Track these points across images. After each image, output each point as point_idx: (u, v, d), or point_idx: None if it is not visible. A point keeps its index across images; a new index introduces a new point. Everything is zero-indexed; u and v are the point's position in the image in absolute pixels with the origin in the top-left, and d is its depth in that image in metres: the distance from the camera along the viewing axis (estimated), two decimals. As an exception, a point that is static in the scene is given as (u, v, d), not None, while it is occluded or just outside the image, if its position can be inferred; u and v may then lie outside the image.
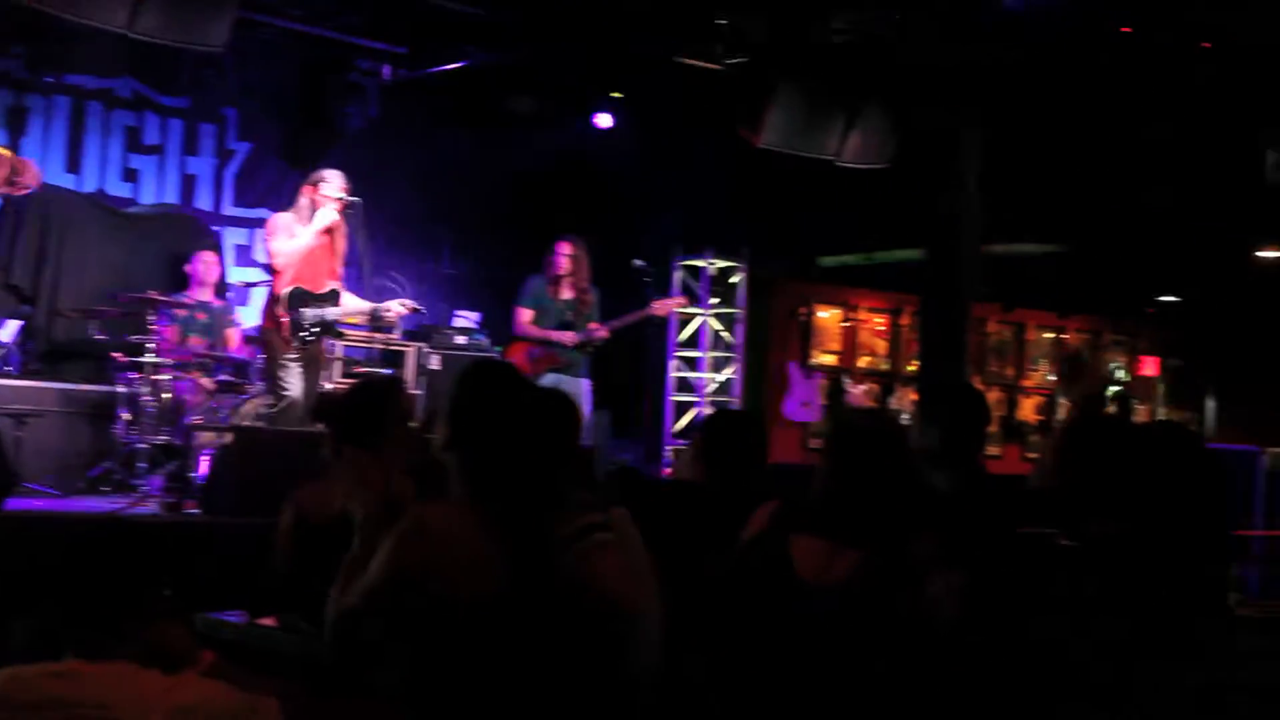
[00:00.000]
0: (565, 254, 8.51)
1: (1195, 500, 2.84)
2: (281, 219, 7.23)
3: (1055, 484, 3.67)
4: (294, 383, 7.02)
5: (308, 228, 7.10)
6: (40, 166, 7.28)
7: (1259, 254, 11.93)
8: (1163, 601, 2.77)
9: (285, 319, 7.04)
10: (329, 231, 7.18)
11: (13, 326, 8.02)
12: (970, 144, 8.98)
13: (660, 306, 8.70)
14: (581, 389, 8.30)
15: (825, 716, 3.14)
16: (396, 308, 7.34)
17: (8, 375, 7.99)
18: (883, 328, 12.10)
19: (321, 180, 7.17)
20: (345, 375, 7.20)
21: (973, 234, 9.06)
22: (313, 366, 7.07)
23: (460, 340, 9.38)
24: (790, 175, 9.88)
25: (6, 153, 6.87)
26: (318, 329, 7.05)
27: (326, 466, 3.57)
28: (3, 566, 5.01)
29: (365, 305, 7.34)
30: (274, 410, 7.23)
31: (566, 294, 8.54)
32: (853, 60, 8.91)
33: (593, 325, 8.51)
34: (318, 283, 7.14)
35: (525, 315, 8.52)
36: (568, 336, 8.43)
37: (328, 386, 7.01)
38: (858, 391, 11.37)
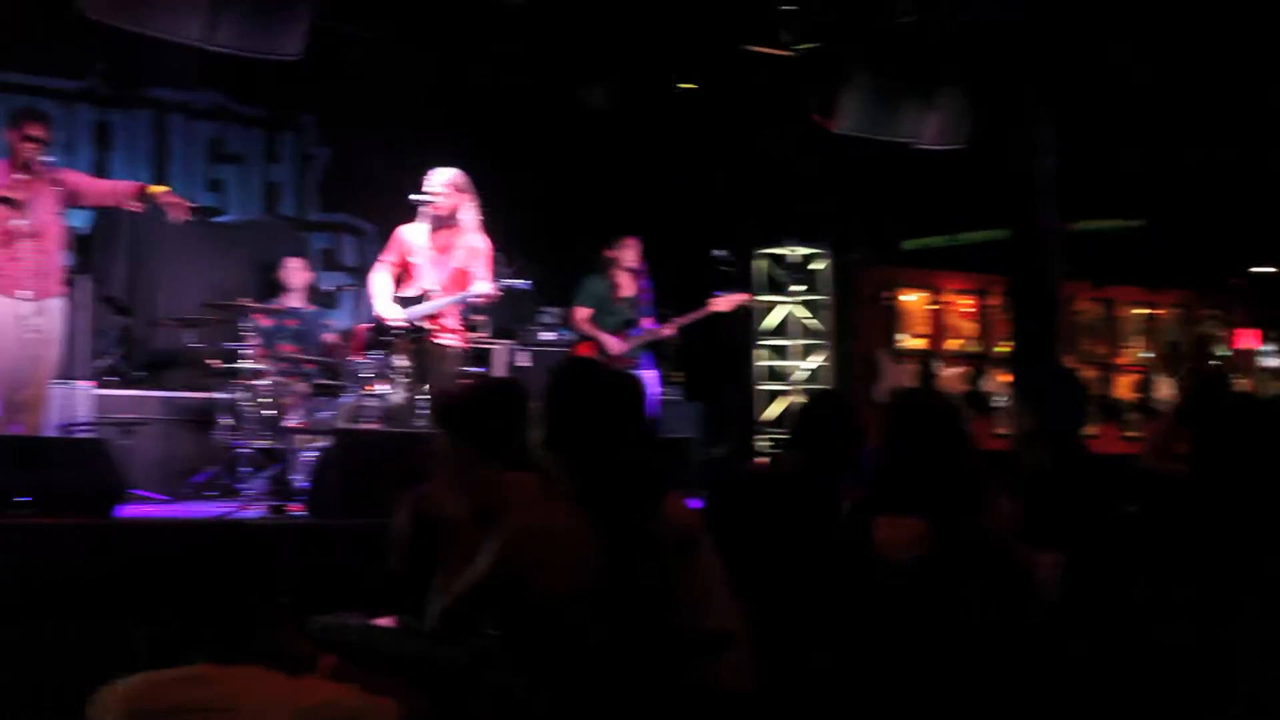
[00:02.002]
0: (626, 251, 8.46)
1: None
2: (400, 229, 7.20)
3: (1172, 464, 3.66)
4: (393, 384, 7.05)
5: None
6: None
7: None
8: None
9: (376, 323, 7.08)
10: (438, 233, 7.15)
11: None
12: (1049, 119, 8.88)
13: (722, 302, 8.50)
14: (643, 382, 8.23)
15: (918, 692, 3.16)
16: (480, 289, 7.11)
17: (113, 385, 8.18)
18: (970, 309, 11.97)
19: (423, 180, 7.10)
20: (453, 377, 7.22)
21: (1056, 211, 8.96)
22: (413, 368, 7.07)
23: (548, 337, 9.43)
24: (869, 159, 9.83)
25: (161, 189, 7.01)
26: (402, 332, 7.05)
27: (434, 466, 3.60)
28: (119, 574, 5.13)
29: (456, 298, 7.18)
30: (372, 412, 7.30)
31: (627, 291, 8.49)
32: (925, 41, 8.84)
33: (647, 321, 8.44)
34: (414, 286, 7.13)
35: (582, 314, 8.42)
36: (614, 344, 8.30)
37: (433, 387, 7.03)
38: (947, 375, 11.28)
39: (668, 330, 8.44)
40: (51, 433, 6.88)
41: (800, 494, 3.71)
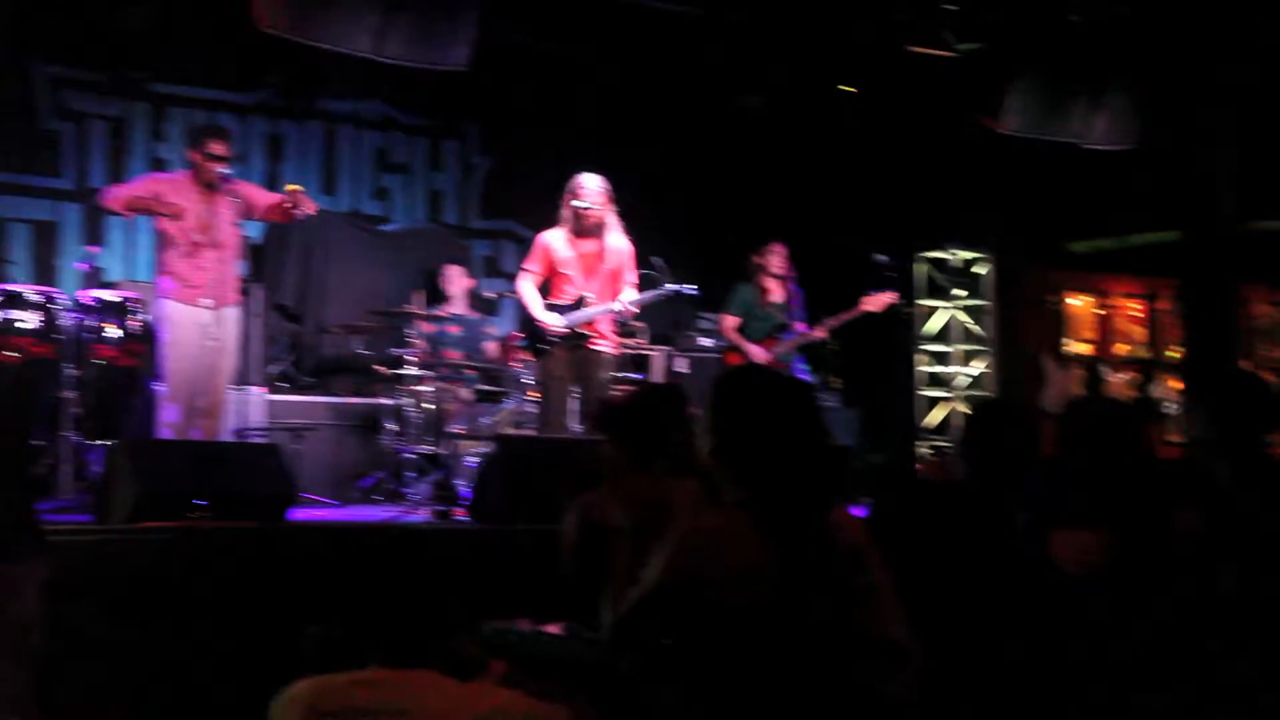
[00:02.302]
0: (774, 257, 8.44)
1: None
2: (541, 237, 7.22)
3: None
4: (551, 390, 7.10)
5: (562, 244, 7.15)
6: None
7: None
8: None
9: (532, 329, 7.12)
10: (585, 239, 7.19)
11: None
12: (1223, 118, 8.59)
13: (872, 302, 8.38)
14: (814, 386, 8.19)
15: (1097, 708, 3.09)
16: (628, 299, 7.09)
17: (284, 391, 8.40)
18: (1139, 313, 11.65)
19: (576, 189, 7.11)
20: (611, 383, 7.24)
21: (1232, 211, 8.66)
22: (571, 375, 7.11)
23: (706, 343, 9.41)
24: (1033, 160, 9.62)
25: (295, 188, 7.19)
26: (558, 338, 7.08)
27: (599, 473, 3.61)
28: (291, 576, 5.25)
29: (612, 303, 7.14)
30: (533, 418, 7.38)
31: (777, 297, 8.47)
32: (1094, 39, 8.62)
33: (799, 325, 8.40)
34: (568, 292, 7.15)
35: (730, 322, 8.47)
36: (758, 353, 8.29)
37: (589, 394, 7.06)
38: (1116, 380, 10.98)
39: (819, 332, 8.41)
40: (227, 438, 7.09)
41: (973, 505, 3.63)
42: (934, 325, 11.05)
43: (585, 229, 7.11)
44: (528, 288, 7.17)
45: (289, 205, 7.01)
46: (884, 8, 8.61)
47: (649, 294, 7.20)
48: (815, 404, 3.01)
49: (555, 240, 7.16)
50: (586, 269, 7.14)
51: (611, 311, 7.12)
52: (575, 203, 7.07)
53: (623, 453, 3.52)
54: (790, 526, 2.82)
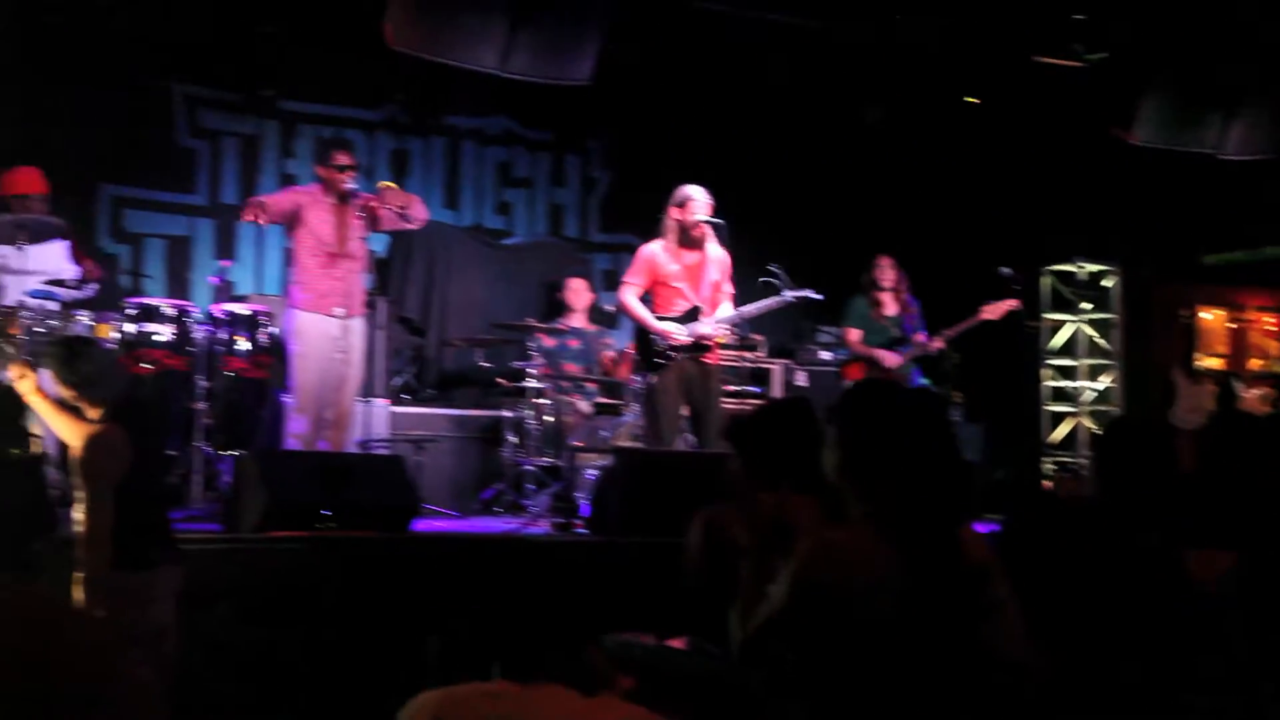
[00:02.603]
0: (884, 270, 8.42)
1: None
2: (645, 249, 7.21)
3: None
4: (662, 404, 7.08)
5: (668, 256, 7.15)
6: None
7: None
8: None
9: (646, 342, 7.12)
10: (689, 250, 7.19)
11: None
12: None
13: (992, 310, 8.30)
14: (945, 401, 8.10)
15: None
16: (796, 293, 7.10)
17: (406, 402, 8.51)
18: (1274, 327, 11.34)
19: (687, 200, 7.11)
20: (723, 396, 7.21)
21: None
22: (682, 388, 7.08)
23: (825, 356, 9.34)
24: (1165, 171, 9.41)
25: (388, 185, 7.31)
26: (675, 351, 7.06)
27: (722, 487, 3.59)
28: (414, 586, 5.31)
29: (727, 314, 7.13)
30: (647, 431, 7.37)
31: (890, 310, 8.43)
32: (1228, 49, 8.42)
33: (920, 336, 8.32)
34: (678, 304, 7.11)
35: (854, 335, 8.47)
36: (890, 358, 8.26)
37: (702, 406, 7.04)
38: (1250, 396, 10.68)
39: (937, 343, 8.33)
40: (352, 449, 7.20)
41: (1106, 522, 3.55)
42: (1059, 339, 10.85)
43: (690, 240, 7.11)
44: (634, 300, 7.15)
45: (386, 204, 7.09)
46: (1011, 19, 8.49)
47: (771, 301, 7.16)
48: (946, 418, 2.97)
49: (659, 252, 7.15)
50: (693, 280, 7.13)
51: (732, 321, 7.10)
52: (686, 215, 7.06)
53: (750, 469, 3.49)
54: (919, 541, 2.78)
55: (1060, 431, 10.74)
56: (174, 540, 4.61)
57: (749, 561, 3.30)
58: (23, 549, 4.75)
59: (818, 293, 7.30)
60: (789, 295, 7.16)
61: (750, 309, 7.12)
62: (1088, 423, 10.56)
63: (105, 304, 7.26)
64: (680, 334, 7.01)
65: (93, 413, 4.35)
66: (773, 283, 7.22)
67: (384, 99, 9.64)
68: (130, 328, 6.89)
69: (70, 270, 7.14)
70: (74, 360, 4.42)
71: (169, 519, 4.75)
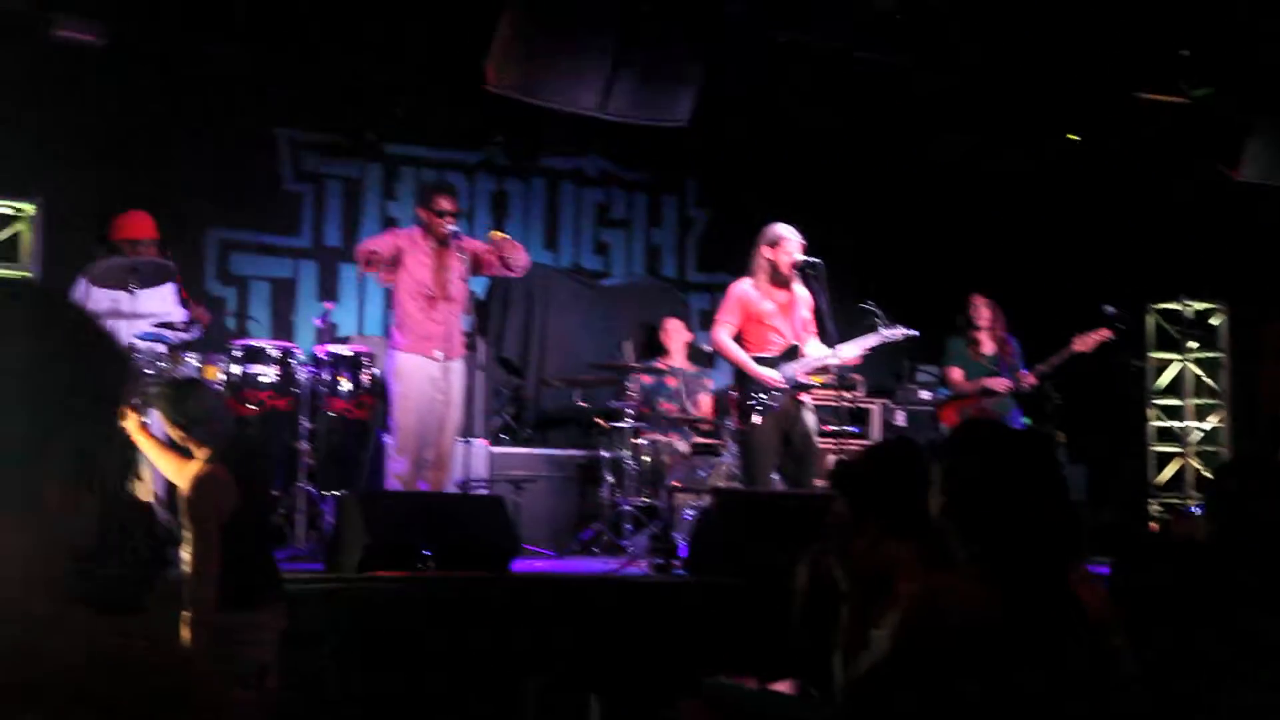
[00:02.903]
0: (979, 310, 8.38)
1: None
2: (737, 288, 7.23)
3: None
4: (758, 444, 7.04)
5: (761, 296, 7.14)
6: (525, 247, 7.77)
7: None
8: None
9: (746, 384, 7.08)
10: (779, 289, 7.17)
11: None
12: None
13: (1082, 342, 8.13)
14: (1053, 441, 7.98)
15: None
16: (848, 352, 7.06)
17: (505, 443, 8.56)
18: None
19: (780, 239, 7.14)
20: (824, 435, 7.16)
21: None
22: (777, 429, 7.05)
23: (924, 395, 9.25)
24: (1271, 208, 9.22)
25: (500, 235, 7.40)
26: (771, 393, 7.01)
27: (824, 530, 3.55)
28: (513, 626, 5.32)
29: (824, 353, 7.11)
30: (744, 470, 7.33)
31: (988, 349, 8.37)
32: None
33: (1021, 373, 8.23)
34: (774, 342, 7.13)
35: (957, 374, 8.43)
36: (1000, 382, 8.22)
37: (803, 450, 7.00)
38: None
39: (1030, 379, 8.18)
40: (452, 490, 7.25)
41: (1220, 567, 3.46)
42: (1165, 379, 10.64)
43: (781, 278, 7.11)
44: (729, 340, 7.15)
45: (494, 252, 7.18)
46: (1115, 55, 8.39)
47: (869, 339, 7.12)
48: (1054, 458, 2.92)
49: (750, 290, 7.17)
50: (786, 318, 7.15)
51: (832, 361, 7.07)
52: (779, 254, 7.07)
53: (857, 513, 3.45)
54: (1026, 584, 2.73)
55: (1167, 473, 10.51)
56: (278, 580, 4.67)
57: (848, 606, 3.26)
58: (135, 590, 4.83)
59: (915, 330, 7.26)
60: (886, 333, 7.12)
61: (848, 347, 7.09)
62: (1195, 463, 10.33)
63: (212, 346, 7.41)
64: (778, 378, 6.99)
65: (200, 453, 4.42)
66: (873, 321, 7.18)
67: (483, 141, 9.74)
68: (236, 369, 7.02)
69: (179, 313, 7.28)
70: (182, 401, 4.49)
71: (274, 559, 4.81)
